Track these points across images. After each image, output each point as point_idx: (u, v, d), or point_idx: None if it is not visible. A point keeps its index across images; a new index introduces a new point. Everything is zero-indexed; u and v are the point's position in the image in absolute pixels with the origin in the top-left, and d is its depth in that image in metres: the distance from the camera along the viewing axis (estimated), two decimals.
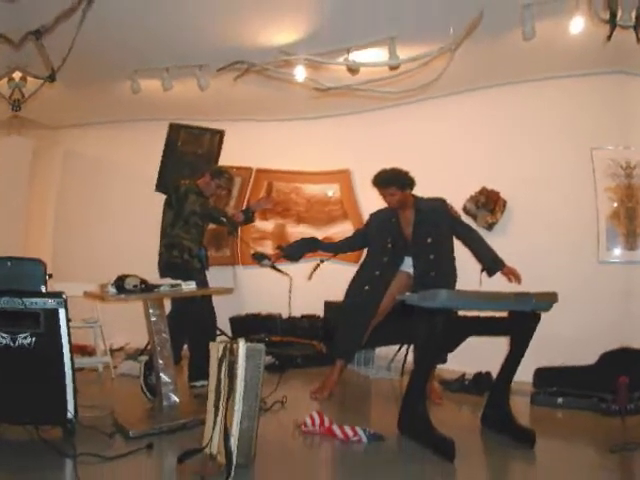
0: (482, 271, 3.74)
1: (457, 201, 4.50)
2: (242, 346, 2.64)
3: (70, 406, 2.91)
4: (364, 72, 3.77)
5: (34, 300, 2.89)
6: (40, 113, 5.52)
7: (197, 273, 3.99)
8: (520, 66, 4.26)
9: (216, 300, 4.13)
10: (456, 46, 3.15)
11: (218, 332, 4.38)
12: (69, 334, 2.94)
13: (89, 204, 5.86)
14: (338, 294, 3.91)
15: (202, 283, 3.97)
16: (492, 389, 3.36)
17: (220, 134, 5.12)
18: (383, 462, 2.79)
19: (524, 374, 3.68)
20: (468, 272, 3.83)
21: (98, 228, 5.76)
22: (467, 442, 2.99)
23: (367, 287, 3.72)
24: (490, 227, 4.55)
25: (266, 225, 5.54)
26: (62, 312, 2.93)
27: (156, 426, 3.11)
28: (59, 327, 2.92)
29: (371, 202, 4.35)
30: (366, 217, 4.25)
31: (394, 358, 4.40)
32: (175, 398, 3.35)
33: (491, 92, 4.61)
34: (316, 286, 4.02)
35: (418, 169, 3.90)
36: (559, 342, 3.99)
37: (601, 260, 4.26)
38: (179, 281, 3.43)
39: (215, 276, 4.42)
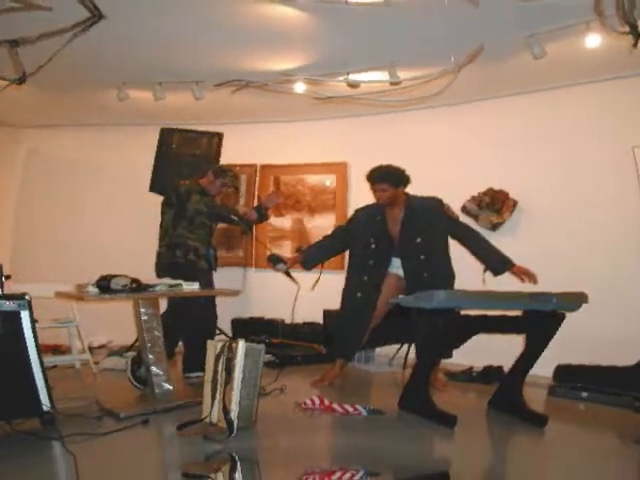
0: (485, 271, 3.65)
1: (457, 201, 4.42)
2: (241, 345, 2.64)
3: (44, 399, 2.76)
4: (365, 86, 3.77)
5: None
6: (3, 112, 5.26)
7: (203, 273, 3.86)
8: (535, 78, 4.19)
9: (221, 301, 3.99)
10: (458, 70, 3.16)
11: (218, 332, 4.21)
12: (35, 334, 2.81)
13: (59, 205, 5.61)
14: (336, 302, 3.83)
15: (207, 284, 3.85)
16: (503, 379, 3.28)
17: (219, 136, 4.98)
18: (382, 427, 2.78)
19: (545, 370, 3.60)
20: (473, 272, 3.73)
21: (70, 229, 5.52)
22: (470, 417, 2.94)
23: (359, 294, 3.64)
24: (494, 227, 4.44)
25: (283, 222, 5.30)
26: (25, 314, 2.81)
27: (149, 407, 2.96)
28: (21, 328, 2.78)
29: (360, 197, 4.25)
30: (350, 211, 4.14)
31: (395, 355, 4.31)
32: (168, 386, 3.18)
33: (502, 101, 4.55)
34: (316, 295, 3.92)
35: (420, 169, 3.86)
36: (593, 343, 3.89)
37: None
38: (180, 281, 3.35)
39: (224, 277, 4.29)
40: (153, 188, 4.87)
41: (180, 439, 2.54)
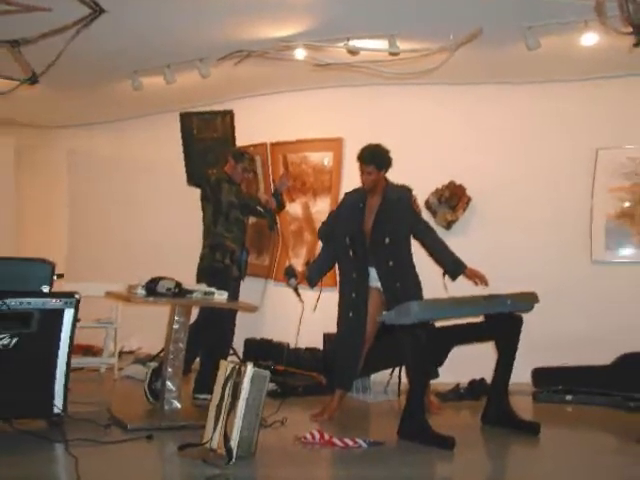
0: (444, 275, 3.59)
1: (424, 191, 4.36)
2: (249, 369, 2.70)
3: (58, 402, 2.88)
4: (364, 54, 3.71)
5: (26, 300, 2.85)
6: (19, 112, 5.46)
7: (233, 282, 3.75)
8: (523, 69, 4.24)
9: (239, 314, 4.01)
10: (456, 48, 3.22)
11: (231, 352, 4.29)
12: (72, 334, 2.91)
13: (107, 203, 5.77)
14: (334, 321, 3.76)
15: (234, 295, 3.73)
16: (490, 392, 3.34)
17: (230, 114, 4.96)
18: (382, 456, 2.83)
19: (524, 375, 3.70)
20: (427, 278, 3.67)
21: (122, 227, 5.64)
22: (467, 436, 3.00)
23: (351, 313, 3.56)
24: (449, 225, 4.36)
25: (296, 209, 5.07)
26: (68, 312, 2.91)
27: (155, 423, 3.09)
28: (60, 327, 2.90)
29: (354, 176, 3.90)
30: (342, 195, 4.00)
31: (389, 382, 4.32)
32: (177, 404, 3.32)
33: (490, 89, 4.55)
34: (317, 316, 3.84)
35: (403, 148, 3.80)
36: (551, 343, 4.00)
37: (595, 260, 4.24)
38: (213, 289, 3.27)
39: (246, 288, 4.14)
40: (190, 180, 4.87)
41: (180, 459, 2.64)
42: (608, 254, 4.26)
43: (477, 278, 3.50)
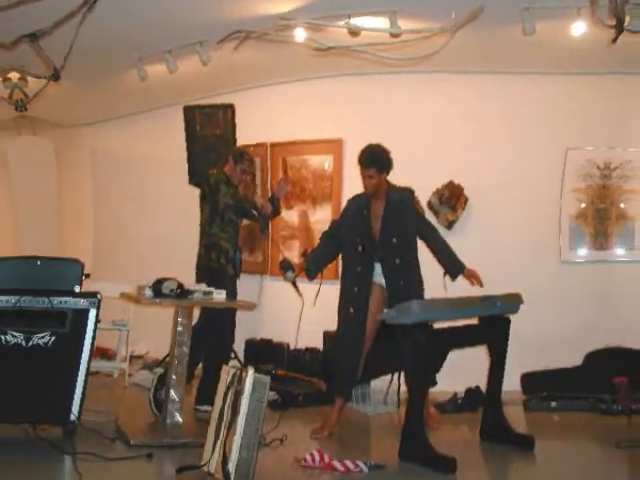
0: (445, 275, 3.63)
1: (425, 190, 4.37)
2: (250, 376, 2.71)
3: (75, 408, 2.96)
4: (365, 35, 3.65)
5: (63, 299, 2.93)
6: (51, 112, 5.51)
7: (229, 282, 3.78)
8: (517, 57, 4.27)
9: (238, 313, 4.02)
10: (457, 28, 3.20)
11: (232, 355, 4.34)
12: (94, 336, 2.99)
13: (125, 201, 5.85)
14: (334, 318, 3.73)
15: (232, 293, 3.76)
16: (484, 403, 3.41)
17: (231, 108, 4.95)
18: None
19: (512, 381, 3.76)
20: (428, 277, 3.69)
21: (137, 226, 5.68)
22: (468, 456, 3.05)
23: (351, 309, 3.56)
24: (450, 226, 4.42)
25: (292, 217, 5.04)
26: (93, 313, 2.97)
27: (157, 439, 3.18)
28: (85, 328, 2.96)
29: (356, 181, 3.85)
30: (344, 202, 3.95)
31: (389, 390, 4.35)
32: (179, 418, 3.38)
33: (485, 78, 4.58)
34: (316, 311, 3.78)
35: (399, 146, 3.73)
36: (535, 345, 4.11)
37: (564, 260, 4.36)
38: (212, 289, 3.29)
39: (242, 285, 4.15)
40: (192, 180, 4.88)
41: None
42: (571, 254, 4.46)
43: (474, 279, 3.56)
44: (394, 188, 3.64)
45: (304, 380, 4.66)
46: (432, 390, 3.80)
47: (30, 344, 2.92)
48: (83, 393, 3.00)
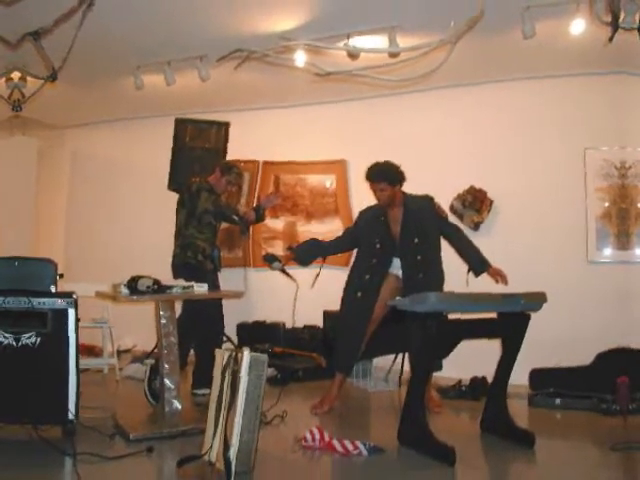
0: (468, 272, 3.71)
1: (446, 198, 4.51)
2: (246, 356, 2.68)
3: (71, 407, 2.95)
4: (364, 58, 3.76)
5: (42, 300, 2.93)
6: (43, 113, 5.54)
7: (209, 275, 3.93)
8: (519, 63, 4.29)
9: (226, 303, 4.10)
10: (457, 39, 3.16)
11: (225, 339, 4.37)
12: (77, 335, 2.98)
13: (100, 204, 5.93)
14: (336, 301, 3.84)
15: (214, 285, 3.91)
16: (489, 394, 3.37)
17: (226, 126, 4.98)
18: (383, 471, 2.82)
19: (520, 376, 3.72)
20: (452, 273, 3.79)
21: (110, 228, 5.83)
22: (467, 447, 3.01)
23: (359, 293, 3.65)
24: (476, 227, 4.55)
25: (277, 224, 5.37)
26: (71, 312, 2.97)
27: (156, 431, 3.14)
28: (67, 327, 2.95)
29: (363, 197, 4.20)
30: (355, 214, 4.14)
31: (391, 369, 4.39)
32: (177, 405, 3.36)
33: (489, 88, 4.64)
34: (315, 293, 3.91)
35: (410, 162, 3.86)
36: (551, 343, 4.07)
37: (590, 260, 4.34)
38: (192, 283, 3.40)
39: (226, 278, 4.35)
40: (171, 185, 4.92)
41: (179, 478, 2.64)
42: (597, 254, 4.41)
43: (498, 276, 3.62)
44: (411, 196, 3.77)
45: (303, 356, 4.67)
46: (436, 374, 3.82)
47: (20, 344, 2.91)
48: (78, 391, 2.98)
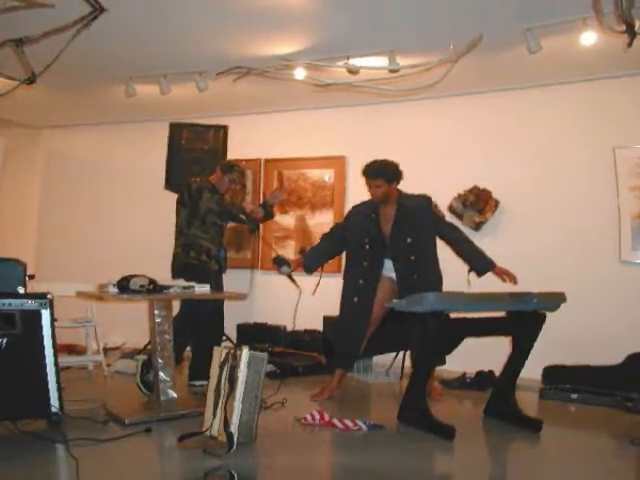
0: (469, 272, 3.67)
1: (447, 199, 4.51)
2: (245, 353, 2.68)
3: (54, 401, 2.87)
4: (364, 72, 3.75)
5: (7, 301, 2.86)
6: (15, 112, 5.44)
7: (214, 275, 3.85)
8: (529, 73, 4.28)
9: (226, 304, 4.03)
10: (457, 58, 3.19)
11: (224, 338, 4.27)
12: (53, 334, 2.92)
13: (79, 204, 5.82)
14: (335, 307, 3.83)
15: (218, 286, 3.85)
16: (495, 385, 3.34)
17: (224, 129, 4.93)
18: (382, 443, 2.82)
19: (535, 372, 3.68)
20: (455, 273, 3.73)
21: (91, 228, 5.74)
22: (468, 428, 2.99)
23: (356, 298, 3.60)
24: (477, 227, 4.50)
25: (288, 220, 5.27)
26: (45, 312, 2.92)
27: (153, 415, 3.04)
28: (40, 327, 2.90)
29: (358, 192, 4.18)
30: (348, 209, 4.09)
31: (392, 364, 4.34)
32: (173, 394, 3.26)
33: (496, 95, 4.62)
34: (316, 300, 3.88)
35: (412, 163, 3.86)
36: (575, 342, 4.00)
37: (624, 260, 4.19)
38: (193, 283, 3.34)
39: (232, 279, 4.28)
40: (168, 185, 4.87)
41: (180, 452, 2.60)
42: (632, 254, 4.22)
43: (505, 275, 3.55)
44: (406, 195, 3.72)
45: (303, 355, 4.62)
46: (440, 368, 3.77)
47: None
48: (59, 385, 2.90)
